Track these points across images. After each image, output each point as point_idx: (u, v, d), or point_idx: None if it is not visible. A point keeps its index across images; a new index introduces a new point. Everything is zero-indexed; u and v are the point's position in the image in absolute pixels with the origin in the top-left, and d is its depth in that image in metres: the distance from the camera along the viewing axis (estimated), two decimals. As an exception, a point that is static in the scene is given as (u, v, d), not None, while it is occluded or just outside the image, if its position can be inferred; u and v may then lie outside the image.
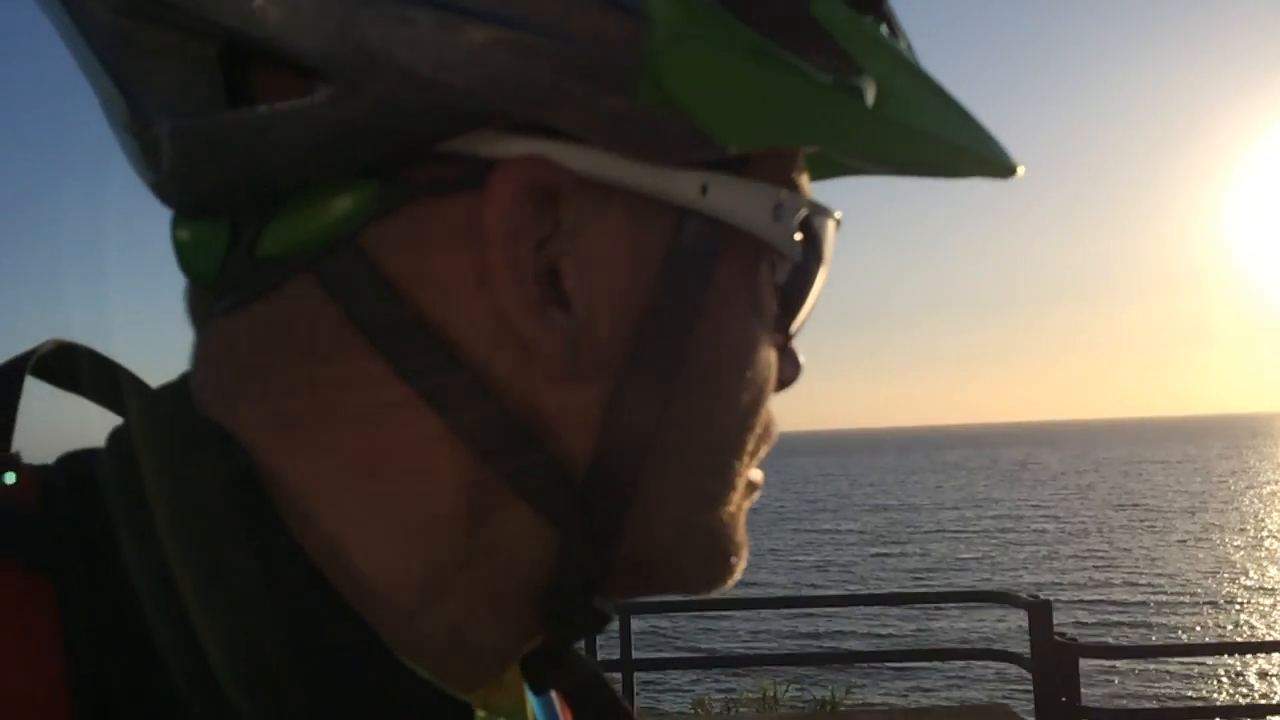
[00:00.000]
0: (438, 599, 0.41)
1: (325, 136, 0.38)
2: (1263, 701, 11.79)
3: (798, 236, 0.46)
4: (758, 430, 0.47)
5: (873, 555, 27.77)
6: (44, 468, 0.42)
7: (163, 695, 0.36)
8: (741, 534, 0.48)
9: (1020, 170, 0.47)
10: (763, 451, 0.49)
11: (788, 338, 0.49)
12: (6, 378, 0.44)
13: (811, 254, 0.47)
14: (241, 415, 0.41)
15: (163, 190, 0.41)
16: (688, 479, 0.44)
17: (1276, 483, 47.16)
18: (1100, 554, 26.36)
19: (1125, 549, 27.03)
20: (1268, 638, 15.73)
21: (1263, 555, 25.90)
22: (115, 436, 0.43)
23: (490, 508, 0.41)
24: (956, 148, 0.44)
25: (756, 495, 0.50)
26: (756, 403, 0.46)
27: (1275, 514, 34.53)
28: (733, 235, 0.43)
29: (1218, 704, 11.61)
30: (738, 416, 0.45)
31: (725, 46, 0.39)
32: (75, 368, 0.47)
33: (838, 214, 0.49)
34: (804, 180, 0.48)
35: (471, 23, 0.37)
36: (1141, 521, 32.73)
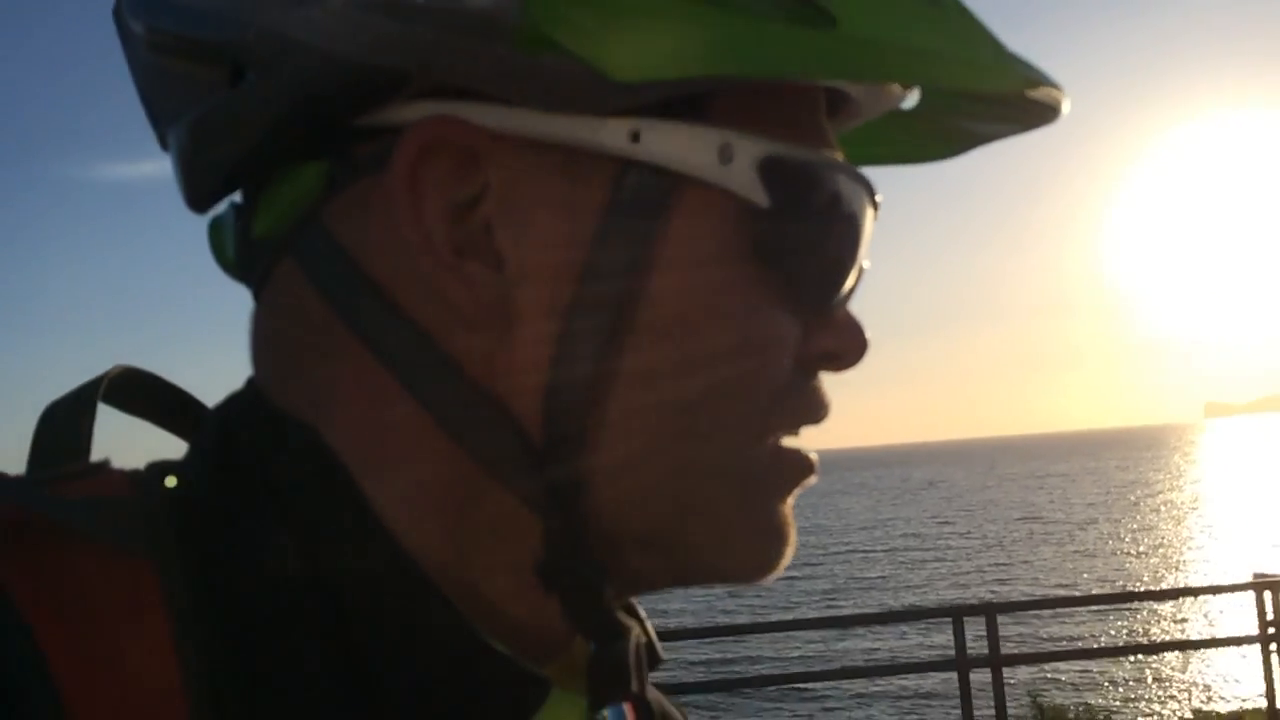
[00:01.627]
0: (467, 572, 0.41)
1: (258, 121, 0.40)
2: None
3: (754, 180, 0.41)
4: (762, 397, 0.42)
5: (784, 579, 27.76)
6: (135, 471, 0.43)
7: (268, 677, 0.37)
8: (779, 518, 0.45)
9: (1035, 89, 0.43)
10: (796, 425, 0.45)
11: (821, 304, 0.44)
12: (81, 402, 0.44)
13: (812, 205, 0.43)
14: (289, 397, 0.42)
15: (189, 197, 0.44)
16: (663, 442, 0.41)
17: (1169, 492, 48.73)
18: (1001, 566, 26.79)
19: (1026, 561, 27.54)
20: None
21: (1157, 562, 26.64)
22: (199, 440, 0.44)
23: (479, 477, 0.41)
24: (928, 52, 0.40)
25: (810, 480, 0.46)
26: (753, 365, 0.42)
27: (1167, 522, 35.60)
28: (689, 185, 0.41)
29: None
30: (720, 377, 0.41)
31: None
32: (138, 392, 0.48)
33: (868, 184, 0.45)
34: (812, 133, 0.44)
35: None
36: (1042, 534, 33.44)
